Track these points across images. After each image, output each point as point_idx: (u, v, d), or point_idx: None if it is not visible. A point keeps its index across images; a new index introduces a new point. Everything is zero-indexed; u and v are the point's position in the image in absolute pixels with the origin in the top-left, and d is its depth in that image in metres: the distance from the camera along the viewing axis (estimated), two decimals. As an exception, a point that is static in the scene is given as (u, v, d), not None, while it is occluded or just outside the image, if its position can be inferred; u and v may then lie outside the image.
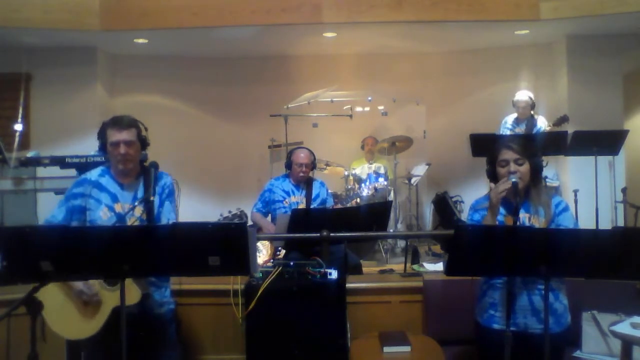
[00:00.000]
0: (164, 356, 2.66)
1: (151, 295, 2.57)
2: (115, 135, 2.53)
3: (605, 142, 4.92)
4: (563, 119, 5.24)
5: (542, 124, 5.58)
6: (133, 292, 2.47)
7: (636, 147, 6.61)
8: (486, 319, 2.44)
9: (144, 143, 2.64)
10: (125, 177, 2.62)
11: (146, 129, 2.66)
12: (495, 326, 2.40)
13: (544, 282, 2.32)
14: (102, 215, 2.55)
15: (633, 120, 7.11)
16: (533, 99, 5.60)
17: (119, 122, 2.55)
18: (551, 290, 2.36)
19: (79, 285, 2.47)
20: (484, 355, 2.52)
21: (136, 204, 2.57)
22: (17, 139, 5.56)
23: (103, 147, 2.60)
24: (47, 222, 2.59)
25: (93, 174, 2.65)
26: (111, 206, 2.57)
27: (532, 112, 5.59)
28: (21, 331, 2.46)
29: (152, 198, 2.55)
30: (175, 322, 2.78)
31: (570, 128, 5.43)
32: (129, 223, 2.54)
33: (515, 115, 5.70)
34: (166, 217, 2.64)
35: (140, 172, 2.66)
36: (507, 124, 5.74)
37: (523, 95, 5.59)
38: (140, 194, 2.61)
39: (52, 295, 2.46)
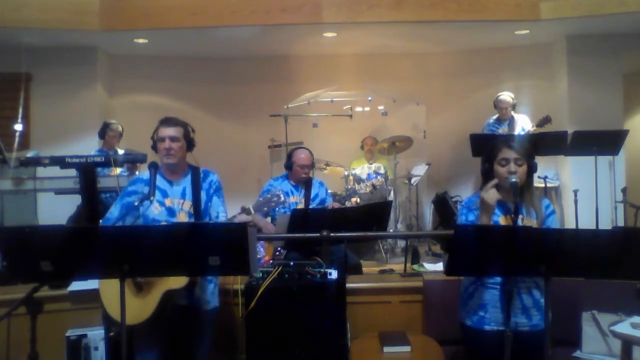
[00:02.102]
0: (198, 353, 2.78)
1: (200, 284, 2.73)
2: (163, 131, 2.77)
3: (605, 142, 4.93)
4: (546, 120, 5.26)
5: (525, 123, 5.61)
6: (180, 277, 2.57)
7: (636, 147, 6.61)
8: (476, 321, 2.43)
9: (190, 143, 2.85)
10: (173, 174, 2.83)
11: (194, 131, 2.89)
12: (487, 327, 2.39)
13: (533, 280, 2.35)
14: (154, 210, 2.75)
15: (633, 120, 7.11)
16: (514, 99, 5.65)
17: (167, 121, 2.81)
18: (537, 288, 2.39)
19: None
20: (475, 357, 2.51)
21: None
22: (17, 139, 5.55)
23: (155, 146, 2.82)
24: (106, 219, 2.80)
25: (146, 174, 2.84)
26: (162, 201, 2.77)
27: (512, 113, 5.67)
28: (21, 331, 2.46)
29: (151, 198, 2.65)
30: (215, 321, 2.90)
31: (570, 128, 5.44)
32: (178, 217, 2.76)
33: (496, 115, 5.77)
34: (215, 211, 2.84)
35: (188, 170, 2.87)
36: (490, 125, 5.80)
37: (505, 95, 5.67)
38: (188, 190, 2.81)
39: (109, 284, 2.55)
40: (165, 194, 2.79)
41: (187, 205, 2.79)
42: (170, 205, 2.77)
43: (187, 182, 2.83)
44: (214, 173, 2.95)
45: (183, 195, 2.80)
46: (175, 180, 2.83)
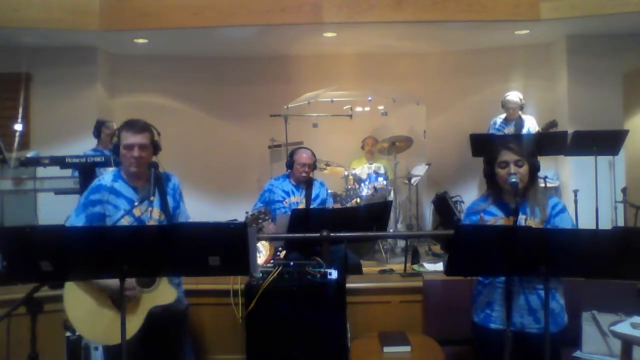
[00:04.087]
0: (183, 351, 2.75)
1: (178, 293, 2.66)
2: (130, 138, 2.55)
3: (605, 142, 4.92)
4: (552, 124, 5.25)
5: (531, 124, 5.59)
6: (169, 292, 2.53)
7: (636, 147, 6.60)
8: (483, 318, 2.44)
9: (156, 147, 2.66)
10: (137, 180, 2.64)
11: (159, 134, 2.69)
12: (492, 325, 2.40)
13: (540, 281, 2.34)
14: (123, 221, 2.56)
15: (633, 120, 7.09)
16: (522, 99, 5.61)
17: (133, 126, 2.58)
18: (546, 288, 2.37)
19: (115, 284, 2.45)
20: (481, 354, 2.52)
21: (136, 204, 2.58)
22: (17, 139, 5.55)
23: (116, 149, 2.60)
24: None
25: (107, 179, 2.66)
26: (130, 211, 2.59)
27: (520, 113, 5.63)
28: (21, 331, 2.46)
29: (151, 198, 2.57)
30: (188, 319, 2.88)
31: (570, 128, 5.44)
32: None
33: (504, 115, 5.72)
34: (184, 218, 2.72)
35: (150, 173, 2.66)
36: (497, 125, 5.77)
37: (513, 96, 5.62)
38: (155, 195, 2.64)
39: (81, 303, 2.46)
40: (132, 203, 2.60)
41: (156, 213, 2.64)
42: (139, 215, 2.61)
43: (152, 187, 2.63)
44: (174, 176, 2.78)
45: (150, 202, 2.63)
46: (140, 186, 2.64)
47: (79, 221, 2.58)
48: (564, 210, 2.44)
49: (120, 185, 2.64)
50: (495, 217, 2.42)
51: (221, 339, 3.35)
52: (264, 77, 6.95)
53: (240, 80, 6.97)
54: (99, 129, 5.40)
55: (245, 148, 6.92)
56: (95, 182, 2.68)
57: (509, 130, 5.60)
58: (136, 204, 2.57)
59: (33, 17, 5.17)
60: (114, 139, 2.64)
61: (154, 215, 2.63)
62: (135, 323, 2.48)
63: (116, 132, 2.63)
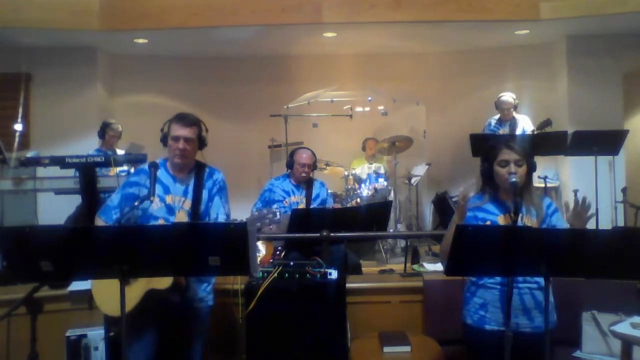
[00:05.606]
0: (191, 349, 2.74)
1: (191, 287, 2.66)
2: (178, 130, 2.67)
3: (605, 142, 4.93)
4: (546, 123, 5.24)
5: (526, 123, 5.59)
6: (166, 277, 2.53)
7: (636, 147, 6.61)
8: (477, 320, 2.43)
9: (202, 143, 2.78)
10: (179, 171, 2.76)
11: (207, 130, 2.81)
12: (487, 327, 2.39)
13: (535, 280, 2.35)
14: (154, 205, 2.66)
15: (633, 120, 7.11)
16: (516, 99, 5.62)
17: (183, 119, 2.70)
18: (540, 289, 2.37)
19: None
20: (476, 356, 2.50)
21: (136, 203, 2.61)
22: (17, 139, 5.55)
23: (164, 139, 2.72)
24: (106, 207, 2.76)
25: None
26: (162, 197, 2.70)
27: (514, 113, 5.64)
28: (21, 331, 2.46)
29: (151, 198, 2.60)
30: (209, 319, 2.84)
31: (570, 128, 5.44)
32: (177, 215, 2.67)
33: (498, 116, 5.73)
34: (215, 212, 2.76)
35: (194, 168, 2.78)
36: (491, 126, 5.77)
37: (507, 96, 5.62)
38: (191, 188, 2.73)
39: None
40: (167, 191, 2.72)
41: (188, 204, 2.71)
42: (170, 202, 2.70)
43: (191, 179, 2.76)
44: (219, 172, 2.86)
45: (185, 194, 2.73)
46: (180, 177, 2.75)
47: (116, 199, 2.73)
48: (557, 209, 2.51)
49: (161, 173, 2.73)
50: (503, 216, 2.43)
51: (221, 339, 3.35)
52: (264, 77, 6.95)
53: (240, 80, 6.97)
54: (104, 129, 5.44)
55: (245, 148, 6.92)
56: (140, 167, 2.85)
57: (504, 130, 5.61)
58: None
59: (33, 17, 5.17)
60: (162, 133, 2.72)
61: (185, 206, 2.71)
62: (131, 301, 2.49)
63: (166, 123, 2.73)
